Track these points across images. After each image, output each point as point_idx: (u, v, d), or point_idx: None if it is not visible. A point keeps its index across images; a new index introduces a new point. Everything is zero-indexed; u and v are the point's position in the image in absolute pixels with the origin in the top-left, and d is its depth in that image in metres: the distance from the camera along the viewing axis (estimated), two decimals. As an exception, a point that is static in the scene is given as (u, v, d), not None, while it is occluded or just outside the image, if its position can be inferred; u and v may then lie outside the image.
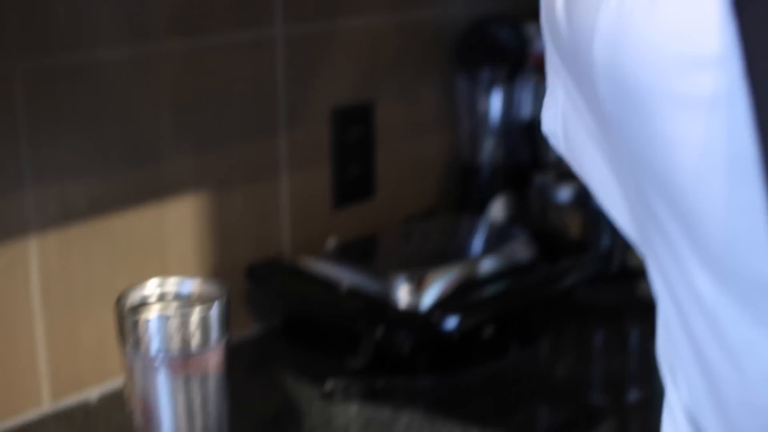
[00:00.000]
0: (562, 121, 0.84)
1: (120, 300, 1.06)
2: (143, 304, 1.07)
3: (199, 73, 1.41)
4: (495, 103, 1.75)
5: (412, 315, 1.34)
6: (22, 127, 1.24)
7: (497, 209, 1.69)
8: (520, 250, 1.50)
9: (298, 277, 1.44)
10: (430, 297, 1.35)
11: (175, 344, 1.03)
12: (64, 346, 1.31)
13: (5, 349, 1.26)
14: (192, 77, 1.40)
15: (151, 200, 1.38)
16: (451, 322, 1.32)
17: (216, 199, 1.45)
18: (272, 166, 1.51)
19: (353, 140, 1.61)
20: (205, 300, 1.07)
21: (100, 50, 1.30)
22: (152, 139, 1.37)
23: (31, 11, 1.23)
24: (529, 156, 1.76)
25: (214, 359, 1.05)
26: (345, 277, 1.41)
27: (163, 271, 1.39)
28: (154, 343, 1.02)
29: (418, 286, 1.35)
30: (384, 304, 1.35)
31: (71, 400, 1.32)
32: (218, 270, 1.45)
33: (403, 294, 1.35)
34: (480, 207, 1.70)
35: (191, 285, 1.09)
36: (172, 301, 1.08)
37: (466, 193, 1.78)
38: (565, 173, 1.70)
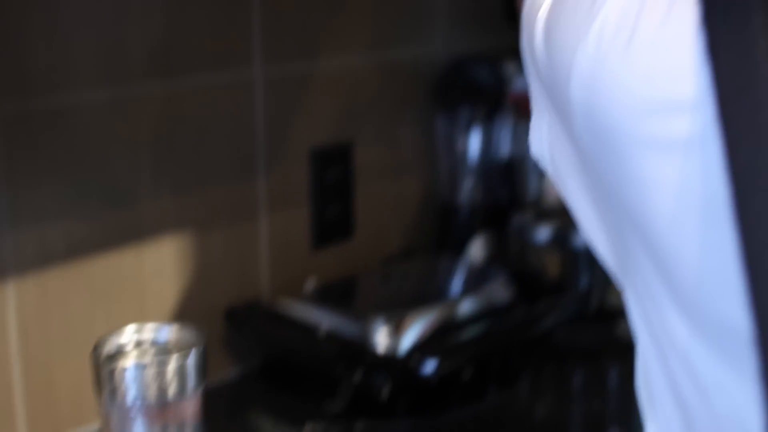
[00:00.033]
0: (549, 145, 0.84)
1: (96, 348, 1.05)
2: (120, 351, 1.07)
3: (178, 115, 1.41)
4: (474, 143, 1.75)
5: (390, 359, 1.34)
6: (1, 169, 1.24)
7: (476, 249, 1.69)
8: (499, 290, 1.50)
9: (277, 320, 1.44)
10: (408, 339, 1.35)
11: (152, 393, 1.02)
12: (41, 390, 1.30)
13: (-18, 394, 1.25)
14: (171, 119, 1.40)
15: (130, 243, 1.38)
16: (430, 366, 1.32)
17: (195, 241, 1.45)
18: (251, 207, 1.51)
19: (332, 181, 1.61)
20: (182, 347, 1.06)
21: (78, 93, 1.30)
22: (131, 181, 1.37)
23: (9, 54, 1.23)
24: (507, 195, 1.77)
25: (191, 407, 1.05)
26: (324, 319, 1.40)
27: (142, 314, 1.38)
28: (130, 392, 1.02)
29: (397, 329, 1.35)
30: (362, 348, 1.35)
31: (48, 445, 1.32)
32: (197, 312, 1.44)
33: (381, 337, 1.35)
34: (459, 247, 1.71)
35: (168, 332, 1.09)
36: (149, 349, 1.08)
37: (445, 232, 1.78)
38: (543, 213, 1.71)
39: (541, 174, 1.73)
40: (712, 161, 0.67)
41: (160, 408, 1.03)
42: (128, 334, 1.08)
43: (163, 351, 1.07)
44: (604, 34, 0.72)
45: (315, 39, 1.56)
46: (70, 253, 1.32)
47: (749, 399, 0.66)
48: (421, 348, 1.35)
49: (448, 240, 1.76)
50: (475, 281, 1.54)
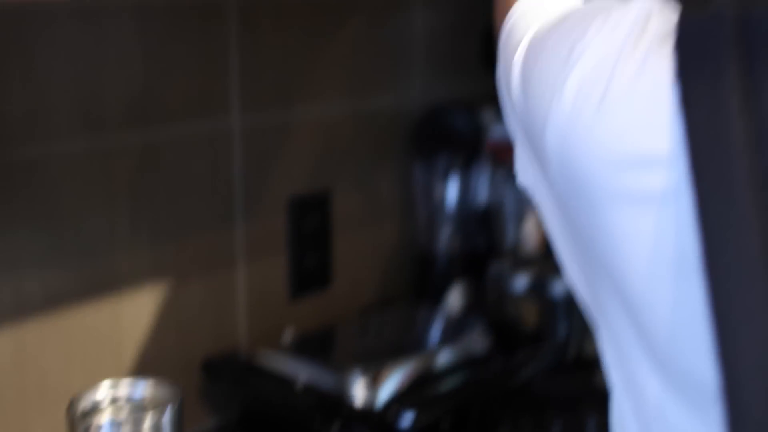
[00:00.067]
0: (532, 175, 0.85)
1: (72, 405, 1.05)
2: (95, 408, 1.06)
3: (156, 165, 1.41)
4: (451, 190, 1.76)
5: (368, 412, 1.33)
6: (-23, 221, 1.23)
7: (454, 298, 1.69)
8: (477, 341, 1.50)
9: (254, 373, 1.43)
10: (386, 391, 1.35)
11: (128, 451, 1.02)
12: (16, 444, 1.29)
13: (-45, 449, 1.24)
14: (148, 169, 1.40)
15: (107, 294, 1.37)
16: (407, 419, 1.32)
17: (172, 292, 1.44)
18: (229, 257, 1.51)
19: (310, 229, 1.61)
20: (157, 404, 1.06)
21: (55, 144, 1.30)
22: (108, 231, 1.37)
23: (-14, 107, 1.23)
24: (485, 243, 1.77)
25: (167, 464, 1.04)
26: (301, 371, 1.40)
27: (119, 367, 1.38)
28: (106, 449, 1.01)
29: (374, 380, 1.35)
30: (340, 400, 1.34)
31: (23, 499, 1.31)
32: (174, 364, 1.44)
33: (359, 389, 1.34)
34: (437, 295, 1.71)
35: (144, 388, 1.08)
36: (125, 405, 1.07)
37: (423, 281, 1.78)
38: (521, 261, 1.71)
39: (518, 222, 1.74)
40: (686, 215, 0.68)
41: (136, 466, 1.02)
42: (104, 390, 1.08)
43: (138, 408, 1.06)
44: (579, 89, 0.73)
45: (292, 88, 1.57)
46: (47, 305, 1.31)
47: None
48: (399, 400, 1.34)
49: (426, 288, 1.76)
50: (453, 331, 1.53)
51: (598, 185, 0.72)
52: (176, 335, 1.45)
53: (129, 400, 1.08)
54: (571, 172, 0.74)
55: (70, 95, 1.30)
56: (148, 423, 1.02)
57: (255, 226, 1.54)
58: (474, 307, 1.70)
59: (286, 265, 1.59)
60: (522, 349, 1.54)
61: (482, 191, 1.77)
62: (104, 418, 1.04)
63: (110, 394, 1.08)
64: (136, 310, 1.40)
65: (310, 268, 1.62)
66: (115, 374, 1.36)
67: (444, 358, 1.44)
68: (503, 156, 1.72)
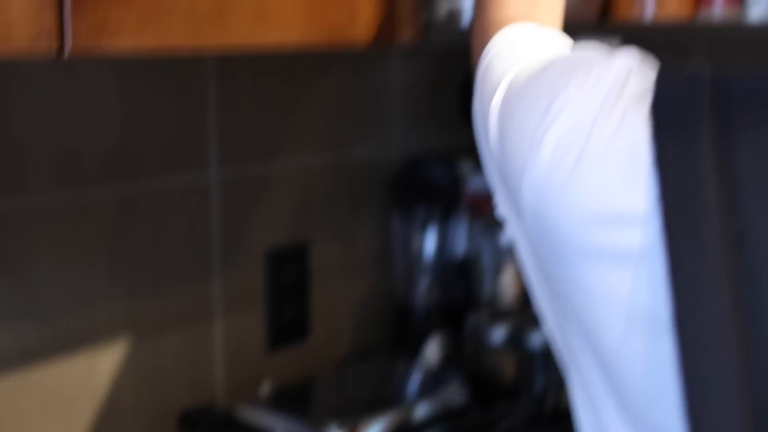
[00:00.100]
0: (509, 214, 0.85)
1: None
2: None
3: (133, 218, 1.41)
4: (429, 242, 1.76)
5: (346, 466, 1.33)
6: (-48, 274, 1.23)
7: (432, 350, 1.69)
8: (455, 393, 1.50)
9: (231, 426, 1.42)
10: (364, 445, 1.34)
11: None
12: (-9, 500, 1.28)
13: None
14: (126, 222, 1.40)
15: (83, 347, 1.37)
16: (385, 474, 1.31)
17: (149, 345, 1.44)
18: (206, 309, 1.51)
19: (288, 282, 1.61)
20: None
21: (33, 197, 1.30)
22: (85, 285, 1.36)
23: (-37, 160, 1.23)
24: (463, 294, 1.77)
25: None
26: (278, 425, 1.39)
27: (95, 420, 1.37)
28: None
29: (352, 434, 1.35)
30: (317, 454, 1.34)
31: None
32: (151, 417, 1.43)
33: (336, 443, 1.34)
34: (415, 347, 1.70)
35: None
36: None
37: (400, 332, 1.78)
38: (498, 313, 1.71)
39: (496, 273, 1.74)
40: (660, 274, 0.68)
41: None
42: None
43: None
44: (557, 146, 0.73)
45: (271, 141, 1.57)
46: (22, 359, 1.30)
47: None
48: (376, 454, 1.34)
49: (404, 340, 1.76)
50: (431, 384, 1.53)
51: (572, 240, 0.73)
52: (153, 388, 1.44)
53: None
54: (545, 225, 0.75)
55: (49, 149, 1.30)
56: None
57: (232, 279, 1.53)
58: (452, 359, 1.70)
59: (264, 317, 1.59)
60: (500, 402, 1.54)
61: (460, 243, 1.77)
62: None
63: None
64: (113, 364, 1.40)
65: (287, 320, 1.62)
66: (91, 428, 1.36)
67: (422, 411, 1.44)
68: (481, 208, 1.73)
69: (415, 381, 1.58)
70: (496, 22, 0.96)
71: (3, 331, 1.28)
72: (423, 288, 1.76)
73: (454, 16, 1.34)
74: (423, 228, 1.75)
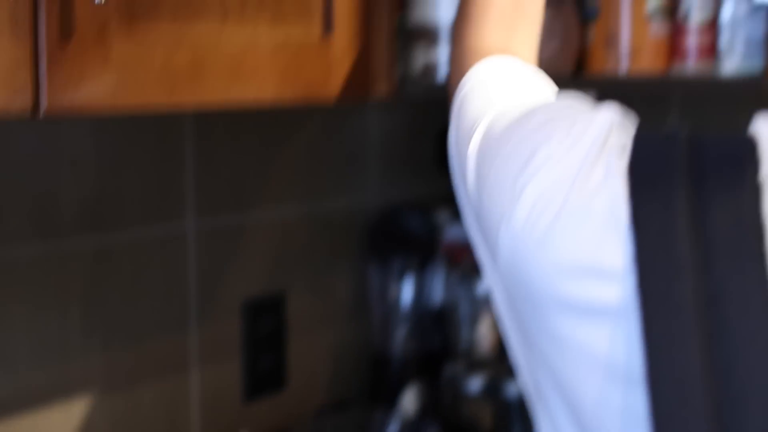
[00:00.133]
0: (484, 257, 0.85)
1: None
2: None
3: (109, 269, 1.40)
4: (406, 291, 1.76)
5: None
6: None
7: (409, 400, 1.69)
8: (432, 444, 1.50)
9: (207, 479, 1.42)
10: (340, 498, 1.34)
11: None
12: None
13: None
14: (102, 273, 1.39)
15: (59, 399, 1.36)
16: None
17: (125, 396, 1.43)
18: (182, 361, 1.50)
19: (265, 332, 1.61)
20: None
21: (8, 246, 1.29)
22: (60, 335, 1.36)
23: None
24: (440, 344, 1.77)
25: None
26: (254, 477, 1.39)
27: (69, 474, 1.36)
28: None
29: (329, 487, 1.34)
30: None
31: None
32: (125, 470, 1.42)
33: (313, 496, 1.33)
34: (392, 397, 1.70)
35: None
36: None
37: (378, 382, 1.77)
38: (475, 362, 1.71)
39: (473, 323, 1.74)
40: (636, 330, 0.69)
41: None
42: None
43: None
44: (536, 200, 0.74)
45: (247, 191, 1.57)
46: (-4, 411, 1.30)
47: None
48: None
49: (381, 390, 1.76)
50: (408, 435, 1.53)
51: (548, 291, 0.73)
52: (129, 440, 1.44)
53: None
54: (522, 274, 0.75)
55: (24, 199, 1.30)
56: None
57: (209, 329, 1.53)
58: (429, 408, 1.69)
59: (240, 368, 1.59)
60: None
61: (437, 292, 1.77)
62: None
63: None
64: (89, 415, 1.39)
65: (264, 371, 1.61)
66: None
67: (399, 462, 1.43)
68: (458, 257, 1.73)
69: (392, 431, 1.57)
70: (473, 49, 0.97)
71: (-23, 384, 1.27)
72: (400, 337, 1.76)
73: (430, 70, 1.35)
74: (400, 277, 1.75)
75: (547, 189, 0.73)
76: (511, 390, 1.60)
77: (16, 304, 1.31)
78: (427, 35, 1.34)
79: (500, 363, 1.66)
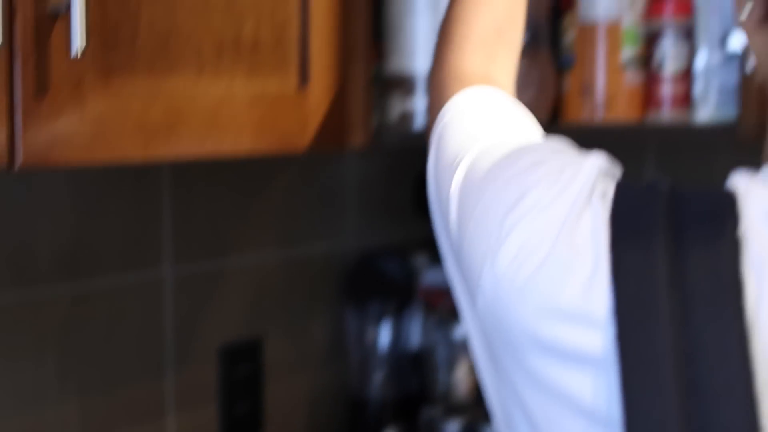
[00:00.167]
0: (460, 294, 0.85)
1: None
2: None
3: (86, 316, 1.40)
4: (384, 335, 1.76)
5: None
6: None
7: (386, 446, 1.69)
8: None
9: None
10: None
11: None
12: None
13: None
14: (78, 320, 1.39)
15: (33, 447, 1.36)
16: None
17: (100, 444, 1.43)
18: (158, 407, 1.50)
19: (241, 377, 1.61)
20: None
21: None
22: (36, 383, 1.35)
23: None
24: (417, 388, 1.77)
25: None
26: None
27: None
28: None
29: None
30: None
31: None
32: None
33: None
34: (370, 442, 1.70)
35: None
36: None
37: (355, 426, 1.77)
38: (453, 407, 1.71)
39: (450, 367, 1.74)
40: (615, 379, 0.69)
41: None
42: None
43: None
44: (521, 247, 0.74)
45: (224, 237, 1.57)
46: (-30, 461, 1.29)
47: None
48: None
49: (359, 435, 1.75)
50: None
51: (529, 335, 0.73)
52: (104, 489, 1.43)
53: None
54: (503, 316, 0.75)
55: (1, 247, 1.30)
56: None
57: (185, 375, 1.53)
58: (406, 454, 1.69)
59: (217, 414, 1.58)
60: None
61: (414, 336, 1.78)
62: None
63: None
64: (63, 464, 1.38)
65: (240, 416, 1.61)
66: None
67: None
68: (435, 301, 1.73)
69: (368, 479, 1.57)
70: (454, 73, 0.97)
71: (-49, 433, 1.27)
72: (377, 381, 1.76)
73: (406, 118, 1.35)
74: (377, 322, 1.75)
75: (535, 233, 0.74)
76: (488, 434, 1.60)
77: (-9, 351, 1.30)
78: (404, 84, 1.35)
79: (477, 407, 1.66)
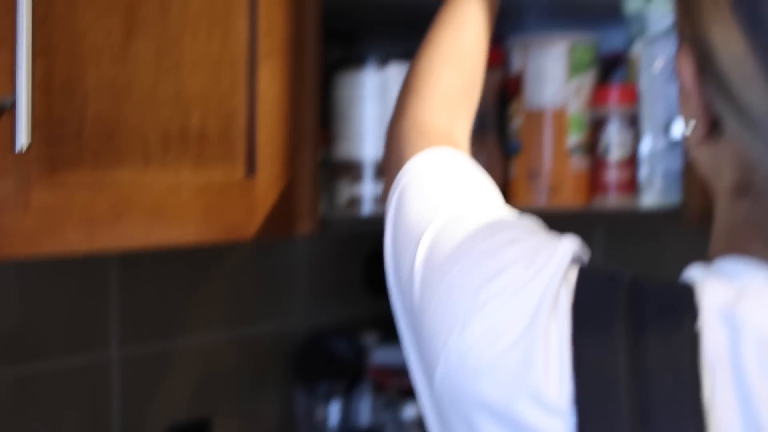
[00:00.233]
0: (414, 366, 0.85)
1: None
2: None
3: (29, 400, 1.39)
4: (333, 415, 1.75)
5: None
6: None
7: None
8: None
9: None
10: None
11: None
12: None
13: None
14: (21, 405, 1.38)
15: None
16: None
17: None
18: (103, 491, 1.48)
19: (189, 458, 1.59)
20: None
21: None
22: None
23: None
24: (367, 469, 1.76)
25: None
26: None
27: None
28: None
29: None
30: None
31: None
32: None
33: None
34: None
35: None
36: None
37: None
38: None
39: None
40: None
41: None
42: None
43: None
44: (497, 322, 0.74)
45: (173, 319, 1.57)
46: None
47: None
48: None
49: None
50: None
51: (488, 409, 0.73)
52: None
53: None
54: (465, 390, 0.75)
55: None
56: None
57: (132, 458, 1.51)
58: None
59: (163, 498, 1.57)
60: None
61: (364, 416, 1.77)
62: None
63: None
64: None
65: (187, 499, 1.59)
66: None
67: None
68: (385, 381, 1.73)
69: None
70: (416, 128, 0.96)
71: None
72: (326, 462, 1.75)
73: (354, 203, 1.36)
74: (327, 401, 1.75)
75: (509, 312, 0.74)
76: None
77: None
78: (352, 170, 1.36)
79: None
